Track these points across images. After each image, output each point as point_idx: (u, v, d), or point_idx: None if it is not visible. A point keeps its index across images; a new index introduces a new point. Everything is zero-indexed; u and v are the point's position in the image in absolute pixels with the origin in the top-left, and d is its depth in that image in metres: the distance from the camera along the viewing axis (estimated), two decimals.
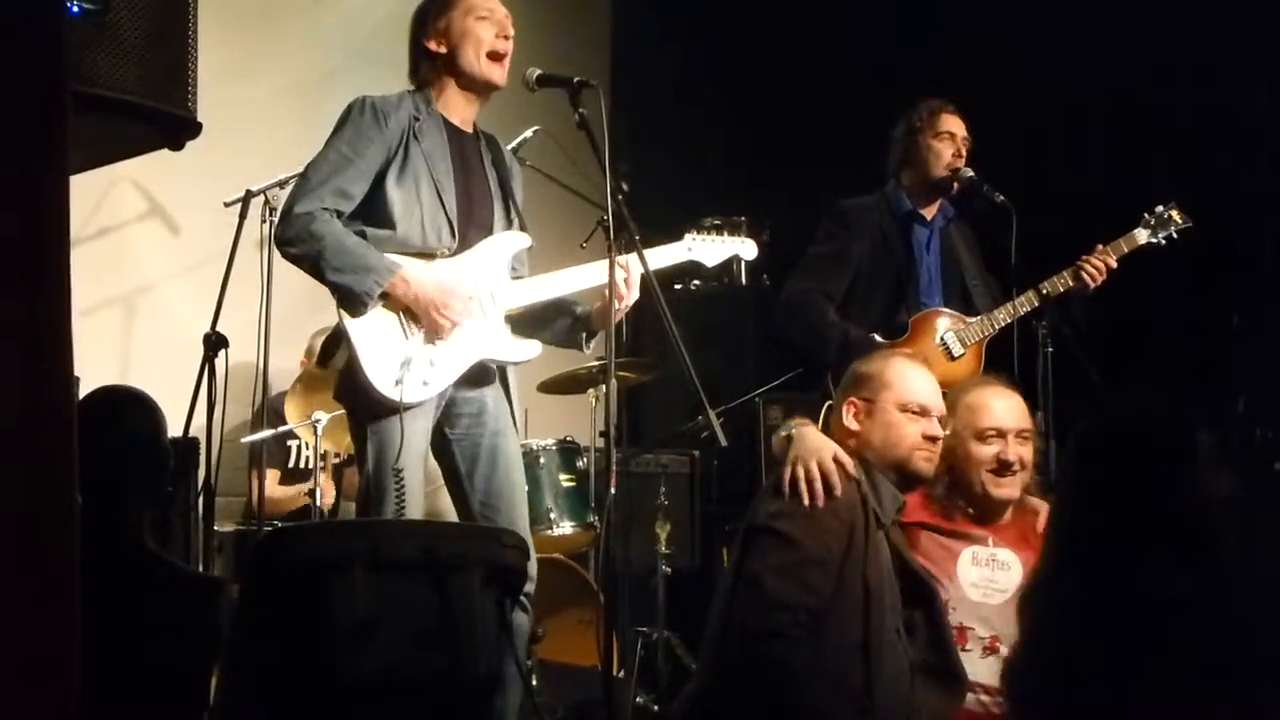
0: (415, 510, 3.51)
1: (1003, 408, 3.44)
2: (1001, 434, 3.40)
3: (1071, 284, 4.44)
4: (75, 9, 2.52)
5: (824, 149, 6.13)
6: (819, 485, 3.06)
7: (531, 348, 3.70)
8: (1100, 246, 4.50)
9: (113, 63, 2.61)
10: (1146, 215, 4.58)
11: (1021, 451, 3.40)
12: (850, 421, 3.24)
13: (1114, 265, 4.47)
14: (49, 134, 1.80)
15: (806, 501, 3.05)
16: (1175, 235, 4.57)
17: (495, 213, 3.72)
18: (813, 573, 3.00)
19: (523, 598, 3.53)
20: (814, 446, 3.14)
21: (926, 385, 3.27)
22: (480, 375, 3.65)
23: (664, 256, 3.84)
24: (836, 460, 3.11)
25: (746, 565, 3.05)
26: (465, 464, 3.66)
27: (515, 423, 3.74)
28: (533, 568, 3.60)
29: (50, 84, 1.80)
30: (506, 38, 3.68)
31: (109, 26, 2.60)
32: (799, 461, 3.10)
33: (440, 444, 3.66)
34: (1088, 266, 4.43)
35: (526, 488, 3.80)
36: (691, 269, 3.92)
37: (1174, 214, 4.58)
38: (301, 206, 3.50)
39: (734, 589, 3.08)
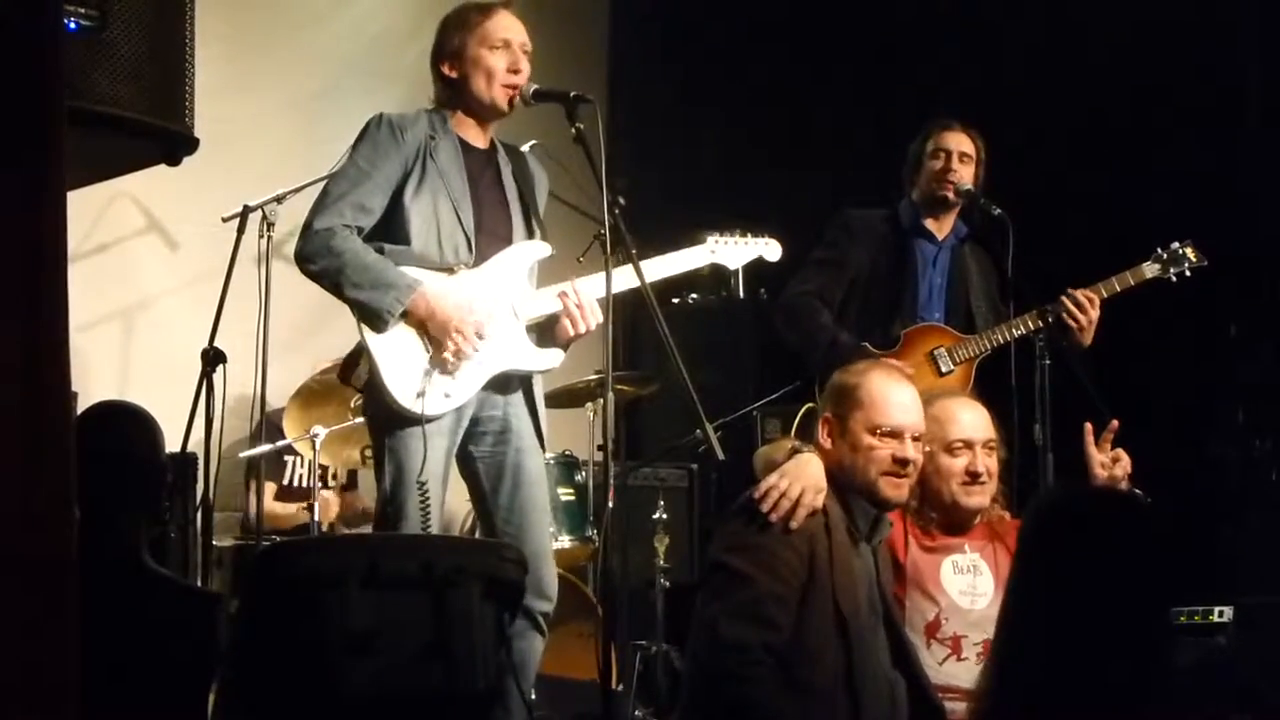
0: (435, 528, 3.50)
1: (970, 419, 3.43)
2: (970, 445, 3.38)
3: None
4: (73, 25, 2.53)
5: (824, 159, 6.13)
6: (785, 509, 2.98)
7: (554, 356, 3.67)
8: (1071, 290, 4.39)
9: (110, 79, 2.61)
10: (1159, 250, 4.50)
11: (988, 462, 3.39)
12: (824, 439, 3.16)
13: (1094, 312, 4.36)
14: (46, 150, 1.80)
15: (771, 514, 2.98)
16: (1188, 273, 4.50)
17: (514, 225, 3.71)
18: (768, 608, 2.91)
19: (540, 618, 3.53)
20: (807, 474, 3.06)
21: (901, 403, 3.14)
22: (503, 383, 3.64)
23: (686, 260, 3.81)
24: (815, 500, 3.03)
25: (704, 605, 2.99)
26: (489, 482, 3.65)
27: (543, 439, 3.72)
28: (553, 588, 3.59)
29: (48, 100, 1.81)
30: (518, 71, 3.63)
31: (106, 43, 2.61)
32: (786, 477, 3.03)
33: (466, 463, 3.66)
34: (1069, 304, 4.35)
35: (549, 506, 3.78)
36: (688, 281, 3.92)
37: (1189, 252, 4.48)
38: (321, 222, 3.49)
39: (700, 625, 3.01)
